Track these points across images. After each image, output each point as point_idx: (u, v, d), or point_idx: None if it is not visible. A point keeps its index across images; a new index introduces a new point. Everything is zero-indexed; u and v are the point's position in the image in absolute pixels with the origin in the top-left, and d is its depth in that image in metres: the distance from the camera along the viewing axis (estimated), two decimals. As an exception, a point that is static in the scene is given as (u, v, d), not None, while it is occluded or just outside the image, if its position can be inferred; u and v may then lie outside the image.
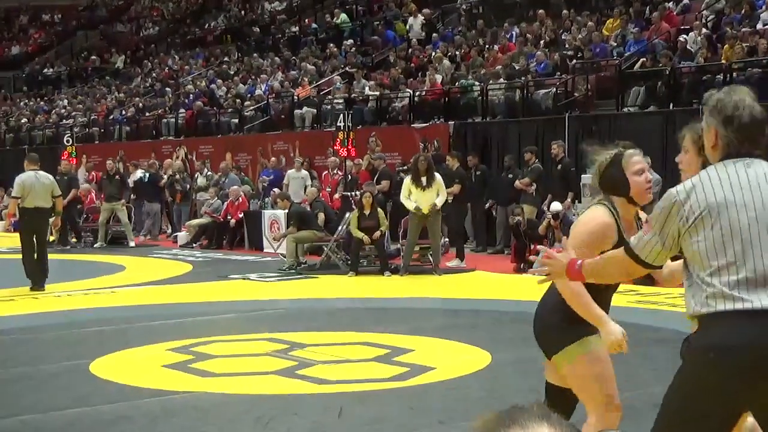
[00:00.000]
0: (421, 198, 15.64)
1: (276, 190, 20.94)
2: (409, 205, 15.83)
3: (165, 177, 24.24)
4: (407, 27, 28.74)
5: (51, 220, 14.98)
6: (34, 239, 14.53)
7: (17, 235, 15.49)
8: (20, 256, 14.65)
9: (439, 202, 15.76)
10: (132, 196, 24.05)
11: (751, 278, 3.51)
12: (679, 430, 3.66)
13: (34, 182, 14.46)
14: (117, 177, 22.87)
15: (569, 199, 17.02)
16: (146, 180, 23.92)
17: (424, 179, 15.63)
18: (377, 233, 15.84)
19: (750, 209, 3.56)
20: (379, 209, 16.40)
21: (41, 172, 14.95)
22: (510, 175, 18.63)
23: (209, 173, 23.99)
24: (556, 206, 16.34)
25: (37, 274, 14.38)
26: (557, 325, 5.04)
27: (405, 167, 19.62)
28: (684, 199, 3.62)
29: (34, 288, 14.26)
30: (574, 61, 21.19)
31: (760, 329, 3.49)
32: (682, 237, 3.63)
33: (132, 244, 22.10)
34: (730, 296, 3.52)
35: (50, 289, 14.40)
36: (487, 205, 19.04)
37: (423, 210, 15.60)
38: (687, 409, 3.65)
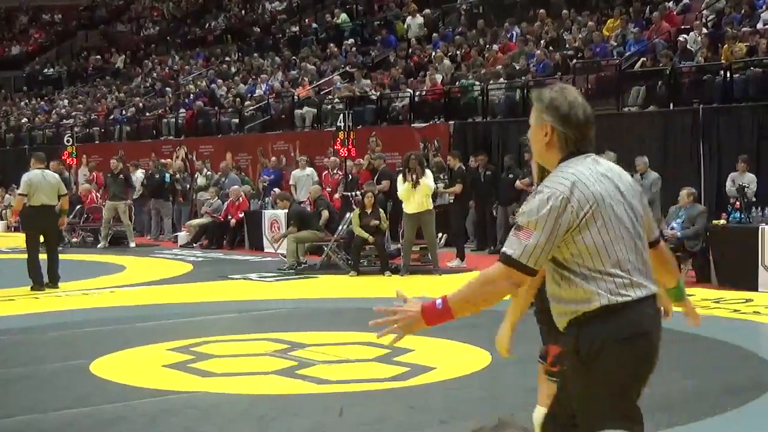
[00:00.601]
0: (412, 196, 15.62)
1: (276, 190, 20.94)
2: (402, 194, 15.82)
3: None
4: (405, 27, 28.73)
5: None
6: (41, 239, 14.55)
7: (18, 234, 15.50)
8: (20, 255, 14.66)
9: (427, 188, 15.66)
10: (135, 195, 24.07)
11: (642, 266, 3.70)
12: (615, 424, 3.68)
13: (41, 180, 14.54)
14: (121, 176, 22.86)
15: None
16: (162, 179, 23.82)
17: (414, 176, 15.59)
18: (374, 221, 15.83)
19: (618, 201, 3.71)
20: (380, 209, 16.40)
21: (48, 171, 15.13)
22: (510, 175, 18.62)
23: (209, 173, 23.99)
24: None
25: (38, 275, 14.39)
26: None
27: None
28: (570, 195, 3.64)
29: (35, 288, 14.26)
30: (575, 60, 21.19)
31: (657, 313, 3.72)
32: (571, 233, 3.64)
33: (132, 244, 22.09)
34: (637, 284, 3.66)
35: (51, 289, 14.39)
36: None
37: (411, 211, 15.52)
38: (617, 399, 3.67)
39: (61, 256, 15.16)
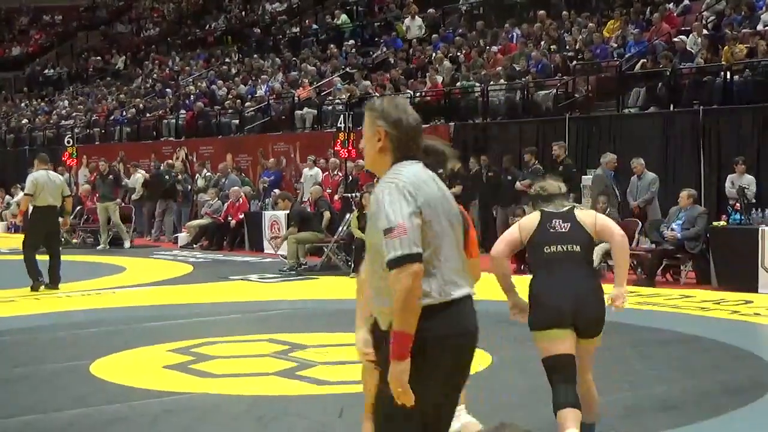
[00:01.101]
0: None
1: (276, 191, 20.94)
2: None
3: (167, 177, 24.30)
4: (405, 28, 28.73)
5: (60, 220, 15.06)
6: (44, 239, 14.58)
7: (18, 236, 15.50)
8: (21, 256, 14.66)
9: None
10: (135, 196, 24.07)
11: (461, 268, 3.96)
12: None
13: (46, 181, 14.62)
14: (110, 177, 22.87)
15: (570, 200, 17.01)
16: (172, 180, 23.78)
17: None
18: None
19: (444, 206, 3.99)
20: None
21: (52, 172, 15.25)
22: (509, 177, 18.62)
23: (208, 174, 23.99)
24: None
25: (36, 272, 14.40)
26: (604, 311, 5.96)
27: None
28: (411, 189, 3.85)
29: (35, 286, 14.27)
30: (575, 62, 21.19)
31: (473, 312, 3.97)
32: (423, 224, 3.83)
33: (126, 245, 22.02)
34: (458, 284, 3.90)
35: (51, 290, 14.40)
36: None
37: None
38: (430, 394, 3.80)
39: (61, 257, 15.17)
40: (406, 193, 3.83)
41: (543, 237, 5.90)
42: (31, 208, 15.05)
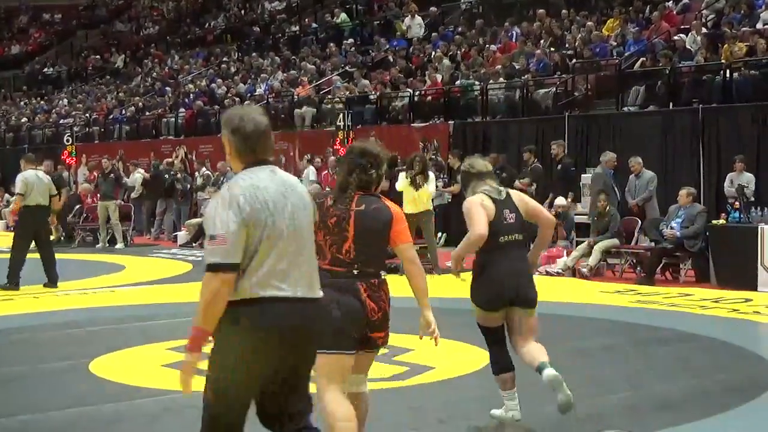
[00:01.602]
0: (413, 197, 15.62)
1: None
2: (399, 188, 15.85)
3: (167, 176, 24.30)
4: (405, 27, 28.71)
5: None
6: (33, 239, 14.57)
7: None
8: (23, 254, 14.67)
9: (427, 194, 15.67)
10: (134, 195, 24.04)
11: (291, 272, 4.23)
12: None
13: (36, 180, 14.64)
14: (111, 176, 22.85)
15: (569, 199, 17.02)
16: (172, 179, 23.75)
17: (419, 179, 15.61)
18: None
19: (287, 208, 4.25)
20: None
21: (40, 171, 15.21)
22: (504, 174, 18.60)
23: (207, 173, 23.98)
24: (560, 200, 16.35)
25: (17, 275, 14.38)
26: (535, 287, 6.77)
27: (403, 168, 19.61)
28: (241, 198, 4.15)
29: (10, 287, 14.21)
30: (574, 60, 21.19)
31: (292, 311, 4.22)
32: (251, 231, 4.15)
33: (119, 245, 21.90)
34: (275, 286, 4.18)
35: (49, 288, 14.39)
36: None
37: (412, 210, 15.55)
38: (243, 380, 4.28)
39: (60, 256, 15.17)
40: (235, 205, 4.13)
41: (499, 227, 6.56)
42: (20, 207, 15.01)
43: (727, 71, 17.83)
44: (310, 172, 22.01)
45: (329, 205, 5.37)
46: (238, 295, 4.17)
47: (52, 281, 14.53)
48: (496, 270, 6.55)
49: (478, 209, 6.53)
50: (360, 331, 5.31)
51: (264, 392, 4.34)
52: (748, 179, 15.50)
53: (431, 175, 16.00)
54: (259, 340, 4.16)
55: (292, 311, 4.22)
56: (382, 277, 5.54)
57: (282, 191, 4.28)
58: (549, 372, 6.52)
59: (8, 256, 14.54)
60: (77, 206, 23.58)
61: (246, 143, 4.33)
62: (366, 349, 5.44)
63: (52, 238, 18.68)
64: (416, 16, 28.51)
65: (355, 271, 5.35)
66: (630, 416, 6.98)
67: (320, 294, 4.38)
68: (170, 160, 25.29)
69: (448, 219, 17.85)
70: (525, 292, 6.62)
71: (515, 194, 6.84)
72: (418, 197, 15.57)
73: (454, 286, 12.64)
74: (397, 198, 16.51)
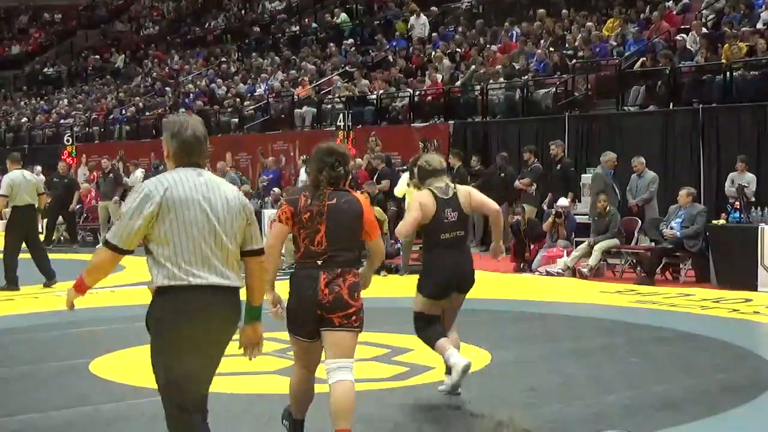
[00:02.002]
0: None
1: (276, 189, 20.92)
2: (399, 195, 15.83)
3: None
4: (409, 26, 28.68)
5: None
6: (24, 239, 14.66)
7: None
8: (22, 255, 14.68)
9: None
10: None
11: (208, 262, 4.66)
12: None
13: (22, 180, 14.73)
14: (111, 175, 22.88)
15: (569, 199, 17.03)
16: None
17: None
18: None
19: (202, 206, 4.67)
20: (377, 208, 16.35)
21: (26, 171, 15.37)
22: (502, 174, 18.62)
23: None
24: (562, 201, 16.36)
25: (10, 275, 14.44)
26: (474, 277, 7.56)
27: (405, 168, 19.61)
28: (154, 193, 4.61)
29: (9, 288, 14.26)
30: (574, 60, 21.19)
31: (209, 298, 4.64)
32: (152, 224, 4.61)
33: None
34: (192, 273, 4.61)
35: (49, 288, 14.40)
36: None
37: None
38: (168, 362, 4.65)
39: (61, 256, 15.18)
40: (143, 196, 4.63)
41: (439, 226, 7.27)
42: (8, 209, 15.03)
43: (727, 71, 17.83)
44: (303, 172, 21.96)
45: (303, 202, 5.76)
46: (157, 283, 4.66)
47: (50, 278, 14.56)
48: (442, 264, 7.32)
49: (414, 213, 7.28)
50: (313, 317, 5.75)
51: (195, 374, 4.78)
52: (749, 179, 15.50)
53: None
54: (172, 332, 4.62)
55: (201, 298, 4.63)
56: (353, 269, 5.83)
57: (201, 191, 4.70)
58: (463, 361, 7.23)
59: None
60: (78, 206, 23.61)
61: (182, 148, 4.79)
62: (329, 328, 5.76)
63: (52, 237, 18.74)
64: (421, 15, 28.41)
65: (320, 262, 5.72)
66: (630, 416, 6.98)
67: (232, 282, 4.72)
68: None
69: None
70: (467, 280, 7.44)
71: (462, 191, 7.45)
72: None
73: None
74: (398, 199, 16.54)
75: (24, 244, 14.73)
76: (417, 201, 7.32)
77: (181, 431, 4.79)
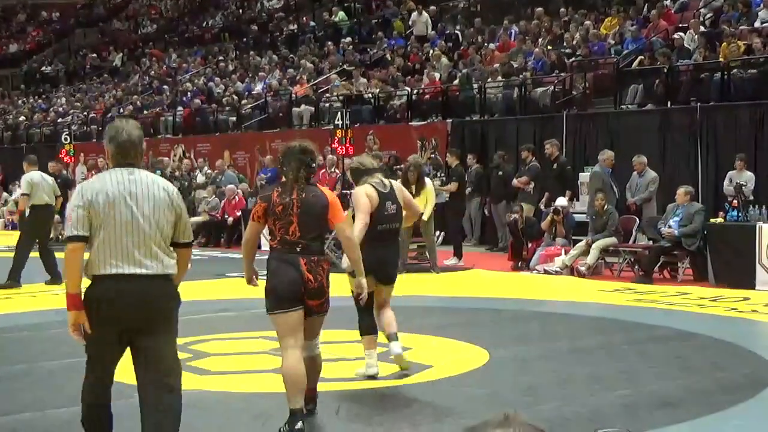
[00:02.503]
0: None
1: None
2: None
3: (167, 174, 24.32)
4: (410, 22, 28.60)
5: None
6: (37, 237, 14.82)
7: (14, 233, 15.58)
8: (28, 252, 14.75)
9: (426, 213, 15.11)
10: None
11: (130, 253, 5.20)
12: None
13: (41, 180, 14.93)
14: None
15: (567, 198, 17.04)
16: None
17: (413, 188, 15.55)
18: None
19: (128, 203, 5.21)
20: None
21: (43, 173, 15.62)
22: (500, 173, 18.62)
23: (208, 171, 24.00)
24: (561, 201, 16.37)
25: (16, 272, 14.57)
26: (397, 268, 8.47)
27: (400, 166, 19.60)
28: (84, 192, 5.25)
29: (11, 285, 14.34)
30: (572, 59, 21.19)
31: (123, 286, 5.21)
32: (86, 216, 5.19)
33: None
34: (114, 264, 5.18)
35: (48, 287, 14.40)
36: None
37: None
38: (95, 340, 5.34)
39: (59, 255, 15.16)
40: (79, 193, 5.28)
41: (380, 217, 7.79)
42: (27, 208, 15.13)
43: (725, 70, 17.84)
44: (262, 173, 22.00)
45: (276, 197, 6.48)
46: (89, 272, 5.26)
47: (57, 278, 14.62)
48: (373, 256, 7.60)
49: (363, 197, 7.74)
50: (297, 294, 6.42)
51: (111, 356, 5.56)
52: (747, 178, 15.50)
53: (428, 182, 15.84)
54: (94, 312, 5.22)
55: (122, 286, 5.21)
56: (323, 256, 6.65)
57: (129, 189, 5.24)
58: (397, 348, 8.14)
59: (7, 255, 14.59)
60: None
61: (118, 150, 5.36)
62: (308, 313, 6.54)
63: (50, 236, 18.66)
64: (423, 12, 28.30)
65: (298, 248, 6.44)
66: (627, 414, 6.99)
67: (149, 271, 5.24)
68: (159, 158, 25.32)
69: (445, 217, 17.83)
70: (389, 273, 8.10)
71: (396, 186, 8.11)
72: (418, 201, 15.56)
73: (454, 285, 12.70)
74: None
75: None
76: (364, 196, 7.75)
77: (84, 392, 5.70)
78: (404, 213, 8.11)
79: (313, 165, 6.64)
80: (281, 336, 6.55)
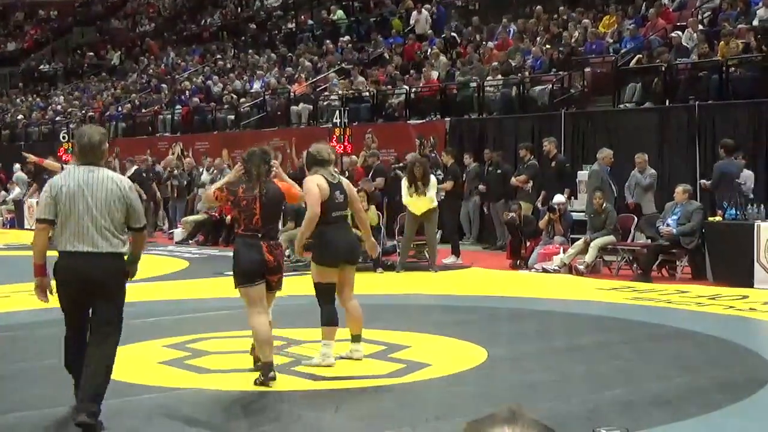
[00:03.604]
0: (417, 202, 15.65)
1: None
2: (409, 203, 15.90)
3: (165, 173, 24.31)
4: (412, 21, 28.55)
5: None
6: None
7: (10, 231, 15.56)
8: (15, 252, 14.71)
9: (430, 199, 15.70)
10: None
11: (86, 234, 6.55)
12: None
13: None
14: None
15: (566, 196, 17.04)
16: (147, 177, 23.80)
17: (420, 184, 15.60)
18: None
19: (85, 195, 6.53)
20: (372, 207, 16.35)
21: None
22: (498, 171, 18.61)
23: (213, 170, 23.98)
24: (559, 198, 16.37)
25: None
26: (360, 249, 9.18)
27: (401, 165, 19.60)
28: (52, 186, 6.64)
29: None
30: (571, 57, 21.19)
31: (79, 260, 6.61)
32: (56, 205, 6.55)
33: None
34: (72, 243, 6.56)
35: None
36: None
37: (416, 213, 15.64)
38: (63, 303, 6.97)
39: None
40: (48, 185, 6.71)
41: (332, 204, 8.39)
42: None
43: (724, 68, 17.84)
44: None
45: (241, 193, 7.80)
46: (57, 248, 6.64)
47: None
48: (332, 236, 8.38)
49: (314, 188, 8.29)
50: (260, 271, 7.80)
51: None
52: (746, 176, 15.50)
53: (433, 179, 15.93)
54: (60, 280, 6.70)
55: (78, 260, 6.57)
56: (278, 240, 8.24)
57: (87, 183, 6.53)
58: (358, 353, 8.68)
59: (5, 254, 14.56)
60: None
61: (80, 151, 6.66)
62: (268, 289, 7.95)
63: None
64: (423, 10, 28.21)
65: (260, 235, 7.79)
66: (625, 413, 6.99)
67: (105, 249, 6.57)
68: (152, 158, 25.33)
69: (441, 215, 17.81)
70: (354, 252, 8.70)
71: (344, 181, 8.79)
72: (421, 200, 15.59)
73: (452, 283, 12.72)
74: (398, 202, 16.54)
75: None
76: (315, 186, 8.35)
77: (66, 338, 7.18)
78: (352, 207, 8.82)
79: (272, 164, 8.03)
80: (251, 304, 7.88)
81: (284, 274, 8.12)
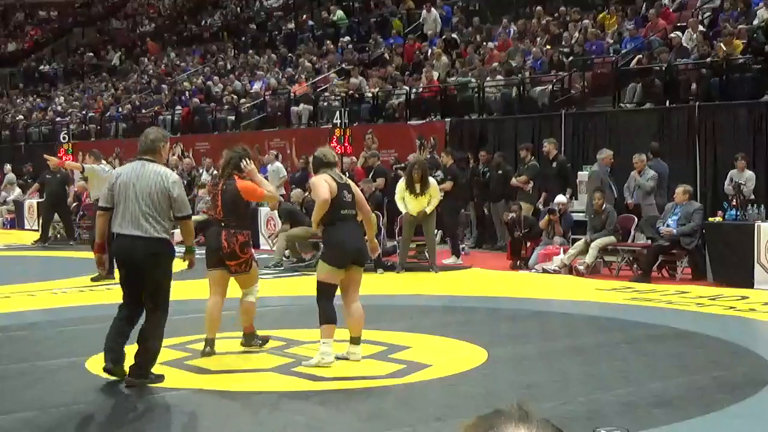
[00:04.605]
0: (414, 203, 15.65)
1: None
2: (402, 207, 15.90)
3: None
4: (421, 19, 28.49)
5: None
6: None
7: (11, 232, 15.60)
8: (15, 253, 14.73)
9: (430, 208, 15.69)
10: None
11: (132, 219, 7.62)
12: None
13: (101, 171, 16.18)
14: None
15: (567, 196, 17.04)
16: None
17: (418, 186, 15.61)
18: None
19: (134, 185, 7.66)
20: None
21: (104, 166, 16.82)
22: (500, 171, 18.61)
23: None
24: (560, 198, 16.37)
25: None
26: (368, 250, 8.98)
27: (402, 165, 19.60)
28: (114, 177, 7.90)
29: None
30: (571, 57, 21.20)
31: (128, 242, 7.67)
32: (113, 194, 7.79)
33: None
34: (122, 226, 7.69)
35: (47, 286, 14.40)
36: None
37: (412, 213, 15.65)
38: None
39: (57, 254, 15.18)
40: (110, 178, 8.07)
41: (340, 202, 8.53)
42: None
43: (724, 68, 17.84)
44: (278, 167, 21.90)
45: (210, 186, 9.31)
46: (113, 230, 7.75)
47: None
48: (342, 237, 8.50)
49: (323, 183, 8.48)
50: (217, 257, 8.98)
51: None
52: (748, 177, 15.50)
53: (432, 180, 15.94)
54: (115, 258, 7.93)
55: (125, 242, 7.65)
56: (240, 229, 8.99)
57: (136, 174, 7.70)
58: (356, 355, 8.71)
59: (5, 254, 14.56)
60: (74, 204, 23.60)
61: (139, 147, 7.92)
62: (231, 273, 9.10)
63: (48, 234, 18.76)
64: (432, 10, 28.09)
65: (223, 224, 8.94)
66: (626, 413, 6.99)
67: (148, 234, 7.61)
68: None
69: (440, 216, 17.81)
70: (363, 254, 8.74)
71: (351, 183, 8.94)
72: (419, 201, 15.60)
73: (452, 284, 12.73)
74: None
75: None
76: (323, 182, 8.49)
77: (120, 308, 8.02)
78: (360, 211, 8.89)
79: (241, 164, 8.97)
80: (209, 286, 9.21)
81: (284, 274, 8.33)
